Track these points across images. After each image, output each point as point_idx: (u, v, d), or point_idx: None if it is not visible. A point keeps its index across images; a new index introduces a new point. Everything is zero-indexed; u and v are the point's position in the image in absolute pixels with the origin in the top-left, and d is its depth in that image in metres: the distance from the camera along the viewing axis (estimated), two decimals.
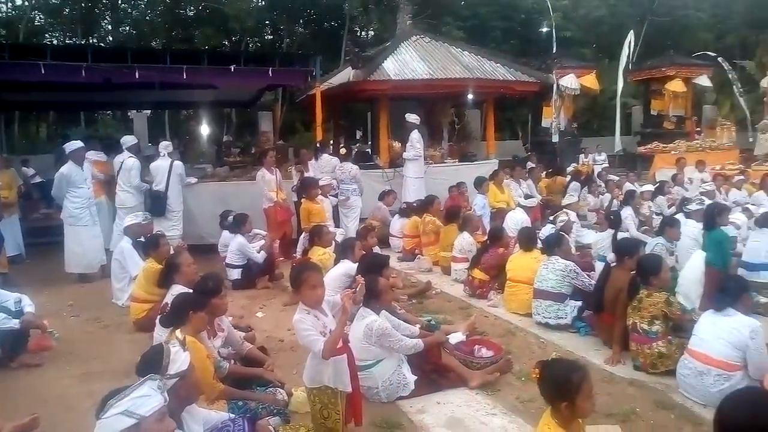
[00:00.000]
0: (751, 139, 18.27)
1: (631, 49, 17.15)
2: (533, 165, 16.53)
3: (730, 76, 20.01)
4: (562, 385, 2.50)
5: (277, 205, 8.69)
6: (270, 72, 9.67)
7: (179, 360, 2.74)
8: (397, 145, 11.92)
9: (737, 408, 1.83)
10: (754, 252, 6.72)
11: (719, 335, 3.89)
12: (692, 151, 17.56)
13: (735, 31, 29.69)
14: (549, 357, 5.15)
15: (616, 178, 13.76)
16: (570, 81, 19.24)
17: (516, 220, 8.68)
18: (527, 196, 10.26)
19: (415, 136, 10.43)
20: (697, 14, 28.00)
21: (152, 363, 2.70)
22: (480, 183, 10.08)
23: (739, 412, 1.80)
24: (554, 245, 5.79)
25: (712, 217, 5.75)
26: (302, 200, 8.45)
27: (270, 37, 29.41)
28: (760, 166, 15.74)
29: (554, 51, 16.18)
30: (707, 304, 4.44)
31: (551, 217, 8.47)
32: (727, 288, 4.03)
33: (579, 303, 5.57)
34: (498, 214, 9.81)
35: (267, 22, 28.04)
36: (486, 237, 7.33)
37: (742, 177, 11.46)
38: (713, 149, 18.37)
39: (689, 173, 12.64)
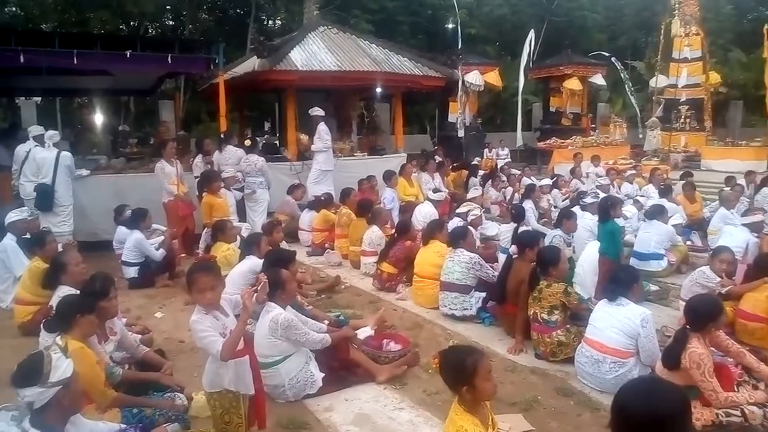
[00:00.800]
0: (641, 136, 19.50)
1: (532, 48, 17.83)
2: (440, 159, 16.90)
3: (622, 75, 21.28)
4: (459, 370, 2.56)
5: (177, 198, 8.28)
6: (169, 59, 9.19)
7: (61, 367, 2.53)
8: (304, 137, 11.73)
9: (634, 397, 1.87)
10: (644, 242, 7.18)
11: (613, 324, 4.08)
12: (588, 146, 18.52)
13: (626, 33, 31.65)
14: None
15: (518, 172, 14.31)
16: (474, 77, 19.77)
17: (425, 214, 8.76)
18: (435, 190, 10.40)
19: (322, 127, 10.30)
20: (592, 15, 29.56)
21: (30, 372, 2.49)
22: (389, 177, 10.11)
23: (635, 401, 1.85)
24: (459, 238, 5.88)
25: (606, 210, 6.06)
26: (204, 194, 8.10)
27: (171, 23, 28.15)
28: (649, 161, 16.89)
29: (459, 47, 16.51)
30: (601, 294, 4.65)
31: (458, 211, 8.60)
32: (618, 278, 4.23)
33: (483, 294, 5.69)
34: (407, 208, 9.87)
35: (168, 7, 26.80)
36: (394, 230, 7.33)
37: (633, 171, 12.19)
38: (607, 145, 19.46)
39: (585, 168, 13.30)
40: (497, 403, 4.10)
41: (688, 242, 8.21)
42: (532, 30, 18.09)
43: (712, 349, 3.69)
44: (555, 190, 11.03)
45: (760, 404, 3.35)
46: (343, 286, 7.17)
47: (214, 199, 8.01)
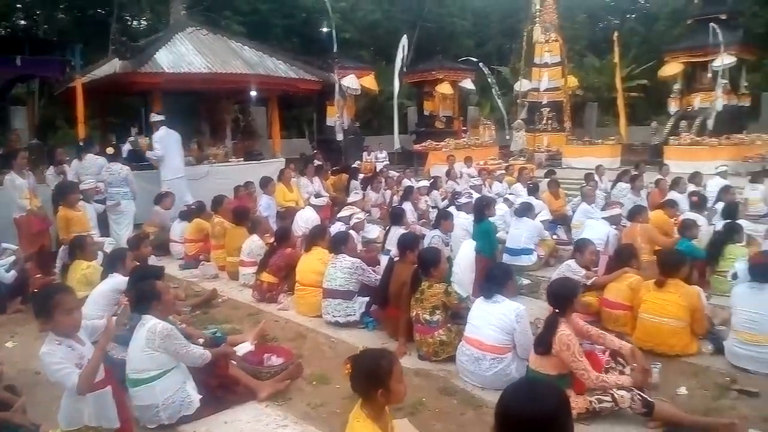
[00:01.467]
0: (508, 137, 20.51)
1: (405, 53, 18.17)
2: (320, 163, 16.74)
3: (489, 80, 22.30)
4: (374, 372, 2.52)
5: (30, 213, 7.51)
6: (18, 60, 8.36)
7: None
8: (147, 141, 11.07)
9: (516, 399, 1.87)
10: (515, 239, 7.49)
11: (490, 322, 4.16)
12: (460, 148, 19.22)
13: (493, 39, 33.29)
14: (341, 356, 5.18)
15: (397, 174, 14.55)
16: (351, 81, 19.83)
17: (306, 219, 8.59)
18: (316, 195, 10.25)
19: (158, 134, 9.75)
20: (461, 22, 30.78)
21: None
22: (266, 183, 9.82)
23: (518, 402, 1.85)
24: (341, 243, 5.79)
25: (480, 210, 6.25)
26: (60, 207, 7.39)
27: (23, 22, 25.70)
28: (516, 161, 17.82)
29: (335, 51, 16.48)
30: (478, 292, 4.75)
31: (340, 215, 8.52)
32: (493, 276, 4.34)
33: (366, 299, 5.64)
34: (287, 214, 9.65)
35: (19, 5, 24.45)
36: (272, 238, 7.10)
37: (502, 171, 12.75)
38: (477, 146, 20.32)
39: (459, 169, 13.75)
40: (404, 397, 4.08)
41: (554, 236, 8.67)
42: (405, 35, 18.44)
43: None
44: (434, 192, 11.28)
45: (628, 388, 3.54)
46: (220, 300, 6.82)
47: (71, 212, 7.33)
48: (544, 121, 22.15)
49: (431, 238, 6.74)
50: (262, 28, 25.26)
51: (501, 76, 28.34)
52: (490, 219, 6.95)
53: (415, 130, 23.51)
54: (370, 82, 21.20)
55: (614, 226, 7.48)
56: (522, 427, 1.80)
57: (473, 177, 11.94)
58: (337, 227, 8.34)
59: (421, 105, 23.72)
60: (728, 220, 6.87)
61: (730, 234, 6.31)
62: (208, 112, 12.55)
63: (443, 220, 6.84)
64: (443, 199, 10.99)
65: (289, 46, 25.28)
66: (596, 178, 11.60)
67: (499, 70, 28.84)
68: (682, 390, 4.12)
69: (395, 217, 7.43)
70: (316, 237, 6.21)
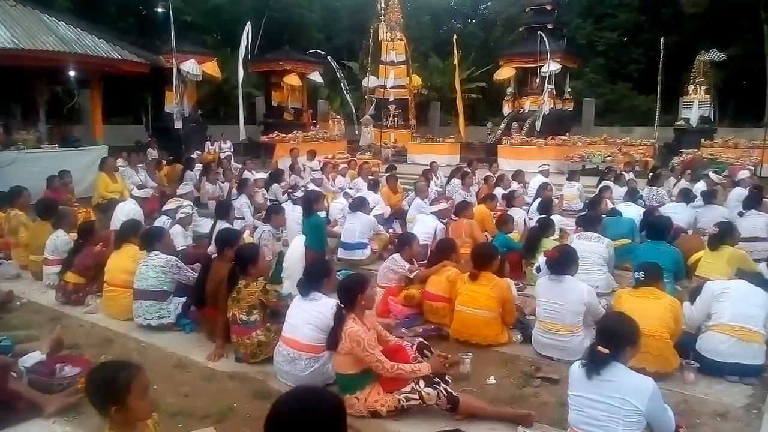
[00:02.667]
0: (357, 132, 20.69)
1: (249, 41, 17.50)
2: (153, 151, 15.69)
3: (338, 74, 22.29)
4: (109, 388, 2.27)
5: None
6: None
7: None
8: None
9: (287, 404, 1.80)
10: (350, 233, 7.45)
11: (307, 320, 4.00)
12: (308, 141, 19.02)
13: (342, 35, 33.39)
14: (151, 362, 4.75)
15: (240, 166, 14.01)
16: (191, 66, 18.81)
17: (127, 212, 7.89)
18: (140, 186, 9.47)
19: None
20: (309, 14, 30.47)
21: None
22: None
23: (286, 407, 1.78)
24: (154, 239, 5.32)
25: (309, 204, 6.08)
26: None
27: None
28: (363, 156, 18.00)
29: (173, 34, 15.45)
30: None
31: (166, 208, 7.94)
32: (310, 273, 4.19)
33: (183, 299, 5.24)
34: (108, 206, 8.84)
35: None
36: (77, 235, 6.38)
37: (345, 165, 12.73)
38: (326, 140, 20.24)
39: (302, 162, 13.52)
40: (187, 420, 3.76)
41: (391, 230, 8.78)
42: (249, 22, 17.78)
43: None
44: (275, 185, 10.94)
45: (435, 383, 3.56)
46: (18, 303, 6.02)
47: None
48: (391, 118, 22.67)
49: (261, 233, 6.46)
50: (93, 5, 23.08)
51: (351, 72, 28.56)
52: (327, 213, 6.82)
53: (263, 121, 22.97)
54: (212, 68, 20.25)
55: (443, 220, 7.69)
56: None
57: (315, 171, 11.79)
58: (161, 221, 7.79)
59: (269, 95, 23.21)
60: (543, 215, 7.35)
61: (543, 228, 6.73)
62: (18, 92, 11.12)
63: (274, 214, 6.57)
64: (284, 193, 10.71)
65: (123, 26, 23.42)
66: (431, 174, 12.00)
67: (349, 65, 29.03)
68: (491, 379, 4.26)
69: (221, 210, 7.02)
70: (127, 233, 5.66)
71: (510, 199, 8.62)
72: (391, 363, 3.52)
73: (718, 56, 18.53)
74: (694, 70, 18.52)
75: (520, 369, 4.47)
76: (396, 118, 22.68)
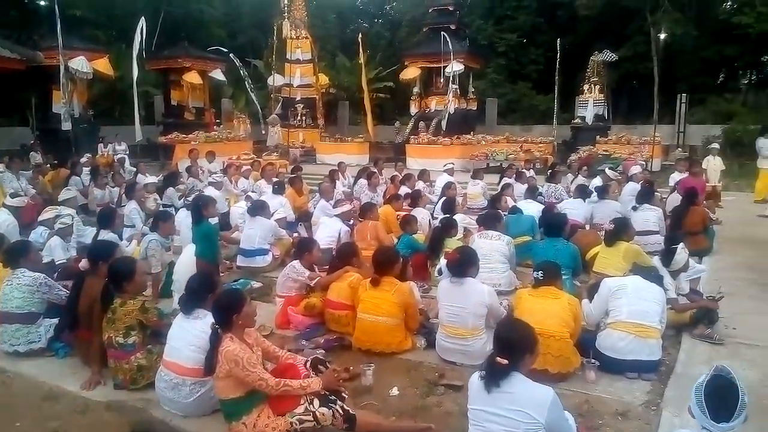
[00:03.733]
0: (263, 132, 20.10)
1: (143, 36, 16.57)
2: (37, 155, 14.51)
3: (241, 72, 21.57)
4: None
5: None
6: None
7: None
8: None
9: None
10: (250, 239, 7.06)
11: (189, 341, 3.64)
12: (211, 141, 18.27)
13: (246, 32, 32.42)
14: (19, 395, 4.21)
15: (134, 169, 13.17)
16: (80, 63, 17.62)
17: None
18: (13, 195, 8.58)
19: None
20: (209, 10, 29.35)
21: None
22: None
23: None
24: (18, 255, 4.74)
25: (199, 210, 5.64)
26: None
27: None
28: (270, 156, 17.48)
29: (59, 28, 14.27)
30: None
31: (42, 218, 7.23)
32: (195, 288, 3.81)
33: (56, 320, 4.70)
34: None
35: None
36: None
37: (248, 167, 12.23)
38: (230, 140, 19.56)
39: (202, 164, 12.88)
40: None
41: (296, 234, 8.44)
42: (143, 18, 16.80)
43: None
44: (170, 189, 10.29)
45: (331, 401, 3.30)
46: None
47: None
48: (299, 118, 22.26)
49: (148, 242, 5.95)
50: None
51: (257, 70, 27.79)
52: (228, 218, 6.37)
53: (162, 121, 21.90)
54: (104, 65, 19.07)
55: (351, 222, 7.47)
56: None
57: (215, 173, 11.22)
58: (39, 232, 7.10)
59: (169, 94, 22.15)
60: (446, 215, 7.28)
61: (446, 228, 6.64)
62: None
63: (161, 222, 6.06)
64: (180, 197, 10.08)
65: (5, 20, 21.58)
66: (338, 174, 11.77)
67: (255, 63, 28.25)
68: (394, 391, 4.07)
69: (103, 218, 6.42)
70: None
71: (415, 199, 8.52)
72: (277, 380, 3.23)
73: (610, 57, 19.45)
74: (588, 70, 19.32)
75: (423, 377, 4.31)
76: (304, 118, 22.31)
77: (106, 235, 6.12)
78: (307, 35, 22.03)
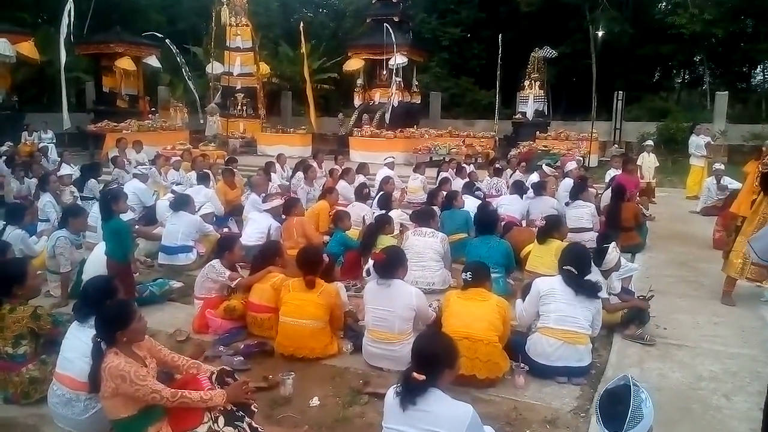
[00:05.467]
0: (202, 121, 19.43)
1: (71, 19, 15.64)
2: None
3: (178, 59, 20.77)
4: None
5: None
6: None
7: None
8: None
9: None
10: (172, 235, 6.66)
11: (85, 353, 3.17)
12: (144, 130, 17.54)
13: (185, 18, 31.33)
14: None
15: (59, 159, 12.41)
16: (2, 46, 16.57)
17: None
18: None
19: None
20: None
21: None
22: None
23: None
24: None
25: (107, 204, 5.17)
26: None
27: None
28: (207, 146, 16.87)
29: None
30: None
31: None
32: (90, 294, 3.44)
33: None
34: None
35: None
36: None
37: (178, 158, 11.67)
38: (166, 129, 18.83)
39: (129, 154, 12.24)
40: None
41: (226, 229, 8.06)
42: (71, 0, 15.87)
43: None
44: (92, 181, 9.67)
45: (238, 418, 3.02)
46: None
47: None
48: (239, 107, 21.64)
49: (56, 239, 5.48)
50: None
51: (196, 57, 26.88)
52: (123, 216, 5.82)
53: (94, 108, 20.91)
54: (29, 48, 18.03)
55: (283, 216, 7.12)
56: None
57: (142, 164, 10.64)
58: None
59: (100, 81, 21.13)
60: (382, 211, 7.07)
61: (381, 224, 6.41)
62: None
63: (72, 217, 5.59)
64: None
65: None
66: (277, 166, 11.39)
67: (194, 50, 27.33)
68: (315, 401, 3.82)
69: (12, 213, 5.90)
70: None
71: (360, 194, 8.22)
72: (173, 390, 2.92)
73: (550, 53, 19.68)
74: (529, 66, 19.51)
75: (348, 384, 4.07)
76: (244, 107, 21.68)
77: (13, 231, 5.61)
78: (248, 23, 21.36)
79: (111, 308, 3.06)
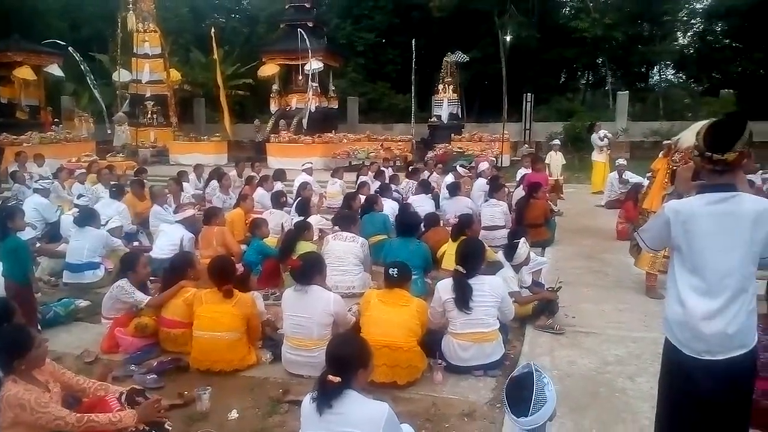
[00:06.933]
0: (109, 131, 18.62)
1: None
2: None
3: (82, 67, 19.84)
4: None
5: None
6: None
7: None
8: None
9: None
10: (77, 252, 6.33)
11: None
12: (47, 143, 16.62)
13: (90, 24, 29.89)
14: None
15: None
16: None
17: None
18: None
19: None
20: (47, 1, 26.80)
21: None
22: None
23: None
24: None
25: (4, 223, 4.86)
26: None
27: None
28: (114, 158, 16.18)
29: None
30: None
31: None
32: None
33: None
34: None
35: None
36: None
37: (83, 170, 11.11)
38: (70, 141, 17.92)
39: (31, 168, 11.54)
40: None
41: (136, 243, 7.75)
42: None
43: None
44: None
45: None
46: None
47: None
48: (149, 116, 20.92)
49: None
50: None
51: (102, 65, 25.71)
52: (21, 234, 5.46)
53: None
54: None
55: (192, 228, 6.91)
56: None
57: (45, 178, 10.06)
58: None
59: None
60: (300, 217, 7.02)
61: (300, 230, 6.36)
62: None
63: None
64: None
65: None
66: (192, 176, 11.08)
67: (100, 58, 26.13)
68: (233, 414, 3.74)
69: None
70: None
71: (276, 201, 8.11)
72: (78, 415, 2.79)
73: (462, 58, 20.23)
74: (442, 70, 19.97)
75: (267, 394, 4.01)
76: (155, 116, 20.98)
77: None
78: (156, 28, 20.69)
79: (7, 334, 2.87)
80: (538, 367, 2.37)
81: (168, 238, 6.51)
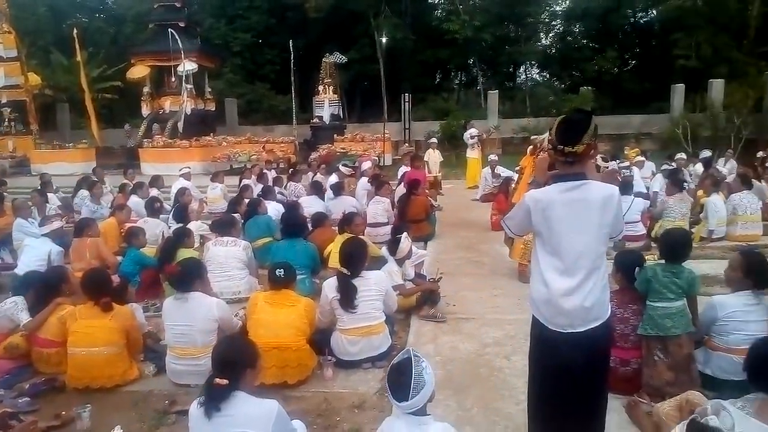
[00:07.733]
0: None
1: None
2: None
3: None
4: None
5: None
6: None
7: None
8: None
9: None
10: None
11: None
12: None
13: None
14: None
15: None
16: None
17: None
18: None
19: None
20: None
21: None
22: None
23: None
24: None
25: None
26: None
27: None
28: None
29: None
30: None
31: None
32: None
33: None
34: None
35: None
36: None
37: None
38: None
39: None
40: None
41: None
42: None
43: None
44: None
45: None
46: None
47: None
48: (6, 123, 19.29)
49: None
50: None
51: None
52: None
53: None
54: None
55: (59, 241, 6.46)
56: None
57: None
58: None
59: None
60: (179, 224, 6.82)
61: (180, 237, 6.18)
62: None
63: None
64: None
65: None
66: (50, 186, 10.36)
67: None
68: (117, 430, 3.59)
69: None
70: None
71: (151, 209, 7.77)
72: None
73: (340, 59, 20.41)
74: (322, 71, 20.03)
75: (152, 407, 3.89)
76: (13, 123, 19.41)
77: None
78: (11, 29, 19.01)
79: None
80: (416, 352, 2.51)
81: (34, 252, 6.07)
